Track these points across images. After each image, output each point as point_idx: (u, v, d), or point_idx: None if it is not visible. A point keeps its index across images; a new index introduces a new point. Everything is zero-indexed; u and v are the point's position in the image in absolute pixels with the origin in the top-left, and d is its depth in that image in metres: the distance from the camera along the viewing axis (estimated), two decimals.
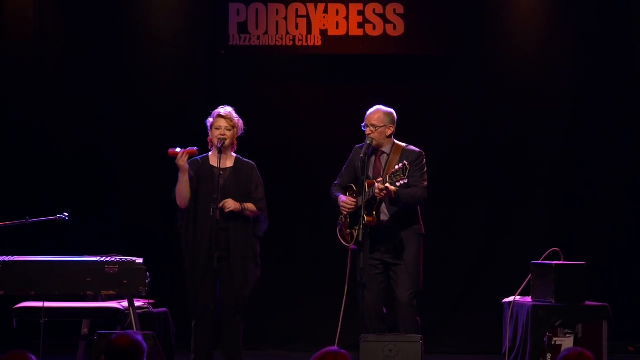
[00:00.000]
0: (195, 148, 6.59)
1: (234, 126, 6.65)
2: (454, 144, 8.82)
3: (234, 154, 6.75)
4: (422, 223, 6.71)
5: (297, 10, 8.71)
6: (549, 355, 6.73)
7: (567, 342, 6.76)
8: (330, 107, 8.91)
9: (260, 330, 8.60)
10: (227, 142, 6.62)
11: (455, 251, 8.77)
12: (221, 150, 6.58)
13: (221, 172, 6.54)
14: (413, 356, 6.18)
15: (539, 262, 7.06)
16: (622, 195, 8.72)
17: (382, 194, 6.32)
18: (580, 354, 3.93)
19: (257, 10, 8.72)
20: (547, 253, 7.06)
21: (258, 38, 8.72)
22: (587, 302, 6.93)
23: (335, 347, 3.80)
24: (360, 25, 8.67)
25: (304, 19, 8.71)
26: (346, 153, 6.93)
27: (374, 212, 6.51)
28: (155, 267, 6.95)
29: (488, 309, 8.28)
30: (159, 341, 6.16)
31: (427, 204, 6.74)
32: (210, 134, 6.69)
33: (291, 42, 8.71)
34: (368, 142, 6.60)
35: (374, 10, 8.67)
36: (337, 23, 8.69)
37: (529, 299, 7.07)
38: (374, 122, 6.64)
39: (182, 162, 6.53)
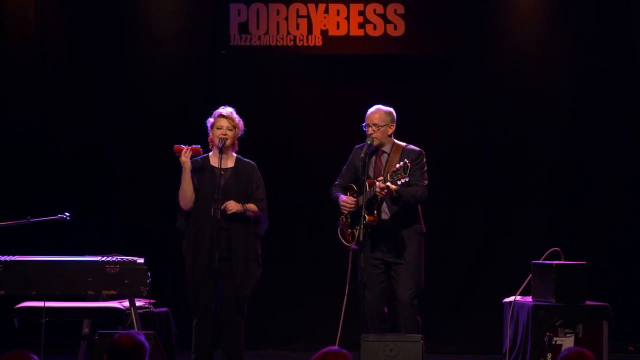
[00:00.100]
0: (199, 146, 6.62)
1: (235, 126, 6.66)
2: (455, 144, 8.82)
3: (234, 154, 6.75)
4: (422, 222, 6.72)
5: (297, 10, 8.72)
6: (549, 355, 6.73)
7: (567, 342, 6.76)
8: (331, 107, 8.91)
9: (261, 330, 8.60)
10: (228, 142, 6.63)
11: (455, 251, 8.77)
12: (222, 150, 6.59)
13: (222, 172, 6.55)
14: (414, 356, 6.18)
15: (540, 262, 7.06)
16: (622, 195, 8.73)
17: (383, 192, 6.32)
18: (580, 354, 3.93)
19: (258, 10, 8.73)
20: (547, 253, 7.07)
21: (259, 38, 8.73)
22: (588, 302, 6.93)
23: (335, 347, 3.80)
24: (361, 26, 8.68)
25: (305, 19, 8.71)
26: (347, 153, 6.94)
27: (375, 211, 6.51)
28: (156, 267, 6.97)
29: (488, 308, 8.29)
30: (159, 341, 6.16)
31: (427, 203, 6.75)
32: (210, 133, 6.70)
33: (292, 42, 8.71)
34: (369, 142, 6.61)
35: (374, 11, 8.68)
36: (338, 23, 8.70)
37: (529, 298, 7.07)
38: (375, 122, 6.65)
39: (186, 158, 6.56)
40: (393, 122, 6.71)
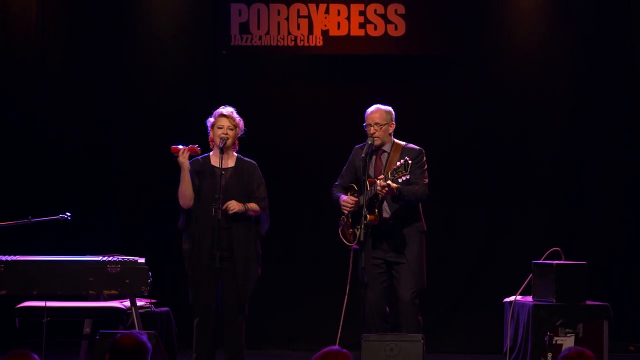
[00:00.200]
0: (197, 146, 6.61)
1: (235, 126, 6.67)
2: (455, 144, 8.83)
3: (235, 154, 6.76)
4: (423, 220, 6.73)
5: (298, 10, 8.72)
6: (549, 355, 6.73)
7: (567, 342, 6.76)
8: (332, 107, 8.92)
9: (262, 330, 8.61)
10: (229, 141, 6.63)
11: (456, 251, 8.78)
12: (223, 150, 6.60)
13: (223, 172, 6.55)
14: (414, 355, 6.19)
15: (540, 261, 7.06)
16: (622, 195, 8.73)
17: (384, 191, 6.33)
18: (580, 354, 3.93)
19: (258, 10, 8.73)
20: (547, 253, 7.07)
21: (260, 38, 8.74)
22: (588, 302, 6.93)
23: (336, 347, 3.80)
24: (362, 26, 8.68)
25: (306, 20, 8.72)
26: (347, 153, 6.94)
27: (376, 210, 6.52)
28: (157, 267, 6.98)
29: (489, 308, 8.30)
30: (160, 341, 6.17)
31: (428, 202, 6.75)
32: (211, 133, 6.70)
33: (293, 43, 8.72)
34: (370, 142, 6.61)
35: (375, 11, 8.68)
36: (339, 23, 8.70)
37: (529, 298, 7.08)
38: (377, 121, 6.66)
39: (183, 158, 6.55)
40: (393, 121, 6.73)
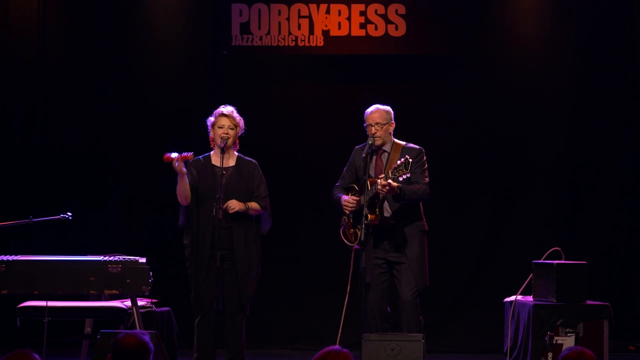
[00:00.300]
0: (190, 153, 6.56)
1: (236, 125, 6.67)
2: (456, 144, 8.83)
3: (236, 153, 6.76)
4: (425, 220, 6.73)
5: (299, 10, 8.73)
6: (550, 355, 6.74)
7: (568, 342, 6.77)
8: (333, 107, 8.92)
9: (263, 329, 8.62)
10: (230, 141, 6.64)
11: (456, 251, 8.78)
12: (224, 150, 6.60)
13: (224, 172, 6.56)
14: (415, 355, 6.19)
15: (540, 261, 7.06)
16: (622, 195, 8.73)
17: (385, 190, 6.33)
18: (581, 353, 3.93)
19: (259, 10, 8.74)
20: (548, 252, 7.08)
21: (260, 38, 8.74)
22: (588, 302, 6.93)
23: (337, 346, 3.81)
24: (362, 26, 8.69)
25: (306, 20, 8.72)
26: (348, 153, 6.95)
27: (377, 210, 6.52)
28: (158, 267, 6.99)
29: (489, 308, 8.31)
30: (161, 340, 6.17)
31: (428, 201, 6.75)
32: (211, 132, 6.71)
33: (293, 43, 8.72)
34: (370, 142, 6.62)
35: (375, 11, 8.69)
36: (339, 23, 8.71)
37: (530, 298, 7.08)
38: (378, 120, 6.67)
39: (179, 167, 6.52)
40: (392, 120, 6.75)
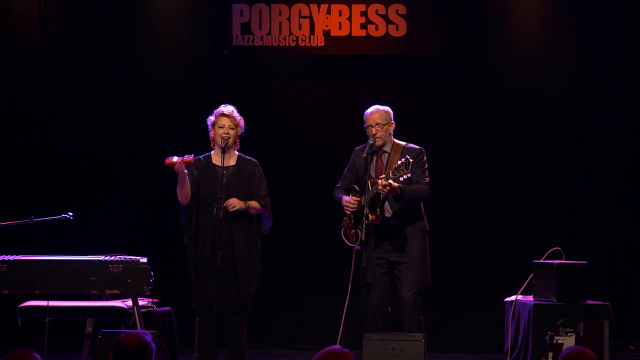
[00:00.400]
0: (192, 156, 6.54)
1: (236, 125, 6.67)
2: (456, 144, 8.84)
3: (236, 152, 6.77)
4: (425, 219, 6.74)
5: (300, 10, 8.74)
6: (550, 354, 6.74)
7: (568, 341, 6.77)
8: (333, 107, 8.93)
9: (264, 329, 8.63)
10: (231, 141, 6.64)
11: (457, 251, 8.79)
12: (225, 150, 6.60)
13: (224, 172, 6.56)
14: (415, 355, 6.19)
15: (541, 261, 7.07)
16: (622, 195, 8.74)
17: (385, 190, 6.34)
18: (581, 353, 3.94)
19: (260, 10, 8.75)
20: (548, 252, 7.08)
21: (261, 39, 8.75)
22: (589, 301, 6.94)
23: (338, 346, 3.82)
24: (363, 26, 8.70)
25: (307, 20, 8.73)
26: (349, 153, 6.95)
27: (378, 210, 6.53)
28: (159, 267, 6.99)
29: (490, 308, 8.31)
30: (162, 340, 6.18)
31: (429, 201, 6.76)
32: (212, 132, 6.71)
33: (294, 43, 8.73)
34: (371, 142, 6.62)
35: (376, 11, 8.70)
36: (340, 24, 8.72)
37: (530, 298, 7.09)
38: (378, 121, 6.67)
39: (180, 170, 6.52)
40: (392, 120, 6.75)
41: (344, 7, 8.72)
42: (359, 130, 6.90)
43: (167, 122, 8.80)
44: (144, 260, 6.53)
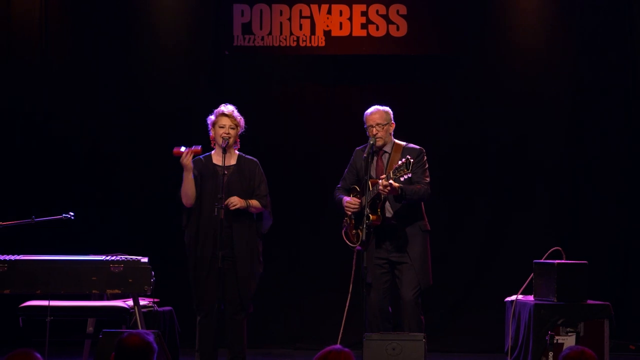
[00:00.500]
0: (199, 147, 6.61)
1: (237, 125, 6.68)
2: (457, 144, 8.85)
3: (237, 152, 6.77)
4: (426, 219, 6.74)
5: (301, 11, 8.75)
6: (551, 354, 6.75)
7: (569, 341, 6.78)
8: (334, 107, 8.93)
9: (265, 329, 8.64)
10: (231, 141, 6.64)
11: (457, 250, 8.80)
12: (225, 150, 6.60)
13: (225, 172, 6.56)
14: (416, 355, 6.19)
15: (541, 261, 7.07)
16: (623, 195, 8.74)
17: (386, 190, 6.34)
18: (581, 353, 3.95)
19: (261, 11, 8.76)
20: (549, 252, 7.09)
21: (262, 39, 8.76)
22: (589, 301, 6.94)
23: (338, 346, 3.82)
24: (364, 26, 8.71)
25: (308, 20, 8.74)
26: (350, 152, 6.96)
27: (379, 210, 6.53)
28: (160, 266, 6.99)
29: (490, 307, 8.31)
30: (163, 340, 6.18)
31: (429, 201, 6.77)
32: (212, 131, 6.71)
33: (295, 43, 8.74)
34: (372, 142, 6.63)
35: (377, 11, 8.71)
36: (341, 24, 8.73)
37: (531, 297, 7.09)
38: (378, 121, 6.67)
39: (187, 161, 6.55)
40: (392, 120, 6.76)
41: (344, 8, 8.73)
42: (359, 130, 6.91)
43: (167, 122, 8.81)
44: (145, 260, 6.53)
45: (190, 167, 6.55)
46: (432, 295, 7.71)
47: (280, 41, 8.75)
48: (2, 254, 6.56)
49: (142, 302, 6.81)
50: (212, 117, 6.71)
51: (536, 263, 7.11)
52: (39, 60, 8.89)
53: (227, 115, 6.65)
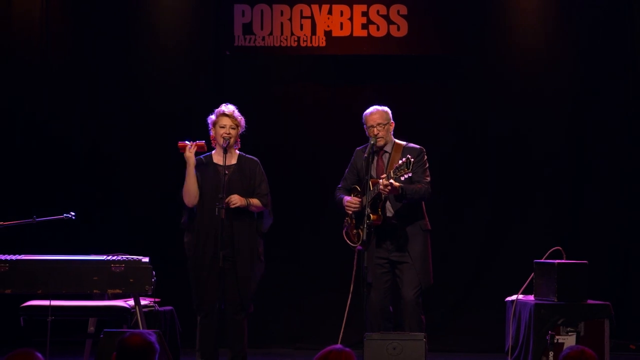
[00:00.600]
0: (203, 142, 6.64)
1: (237, 125, 6.68)
2: (457, 144, 8.86)
3: (237, 151, 6.78)
4: (427, 219, 6.75)
5: (301, 11, 8.75)
6: (551, 354, 6.75)
7: (569, 341, 6.78)
8: (335, 107, 8.94)
9: (265, 328, 8.63)
10: (232, 140, 6.65)
11: (458, 250, 8.80)
12: (226, 150, 6.61)
13: (226, 172, 6.57)
14: (417, 354, 6.20)
15: (542, 260, 7.08)
16: (623, 195, 8.75)
17: (386, 189, 6.34)
18: (582, 352, 3.95)
19: (262, 11, 8.76)
20: (549, 252, 7.09)
21: (263, 39, 8.76)
22: (589, 301, 6.94)
23: (339, 345, 3.83)
24: (364, 26, 8.71)
25: (309, 20, 8.74)
26: (350, 152, 6.96)
27: (379, 210, 6.54)
28: (161, 266, 6.99)
29: (491, 307, 8.32)
30: (164, 339, 6.19)
31: (431, 199, 6.77)
32: (212, 131, 6.72)
33: (296, 43, 8.75)
34: (372, 142, 6.63)
35: (377, 12, 8.71)
36: (342, 24, 8.73)
37: (531, 297, 7.10)
38: (379, 121, 6.68)
39: (190, 154, 6.57)
40: (392, 120, 6.77)
41: (345, 8, 8.74)
42: (360, 130, 6.91)
43: (168, 122, 8.81)
44: (146, 259, 6.54)
45: (193, 161, 6.57)
46: (433, 295, 7.71)
47: (281, 41, 8.76)
48: (3, 254, 6.57)
49: (143, 302, 6.81)
50: (212, 117, 6.72)
51: (536, 263, 7.11)
52: (39, 60, 8.89)
53: (227, 115, 6.65)
